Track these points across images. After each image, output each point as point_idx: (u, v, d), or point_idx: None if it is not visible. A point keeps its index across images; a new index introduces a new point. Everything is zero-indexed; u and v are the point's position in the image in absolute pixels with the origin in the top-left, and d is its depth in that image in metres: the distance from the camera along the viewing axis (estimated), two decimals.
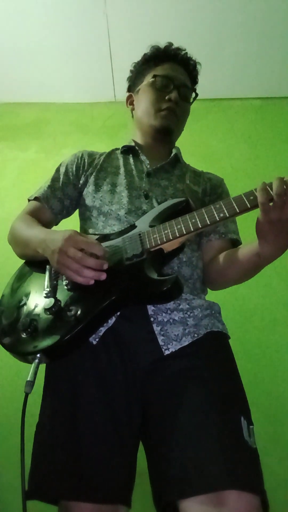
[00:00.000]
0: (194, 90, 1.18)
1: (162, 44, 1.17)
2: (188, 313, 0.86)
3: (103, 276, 0.78)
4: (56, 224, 1.11)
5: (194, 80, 1.20)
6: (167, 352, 0.81)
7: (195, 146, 2.27)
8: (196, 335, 0.83)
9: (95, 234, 0.97)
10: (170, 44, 1.17)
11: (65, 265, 0.79)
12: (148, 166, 1.08)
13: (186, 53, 1.17)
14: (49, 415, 0.81)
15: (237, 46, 2.11)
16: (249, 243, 0.91)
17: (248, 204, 0.79)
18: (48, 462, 0.75)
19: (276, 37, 2.06)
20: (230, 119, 2.34)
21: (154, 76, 1.11)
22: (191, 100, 1.17)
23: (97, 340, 0.83)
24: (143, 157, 1.10)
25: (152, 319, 0.83)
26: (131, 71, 1.23)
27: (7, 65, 2.26)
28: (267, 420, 1.61)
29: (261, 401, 1.64)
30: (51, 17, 2.01)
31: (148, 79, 1.13)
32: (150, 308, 0.84)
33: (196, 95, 1.17)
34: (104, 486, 0.72)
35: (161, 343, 0.81)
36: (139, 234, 0.86)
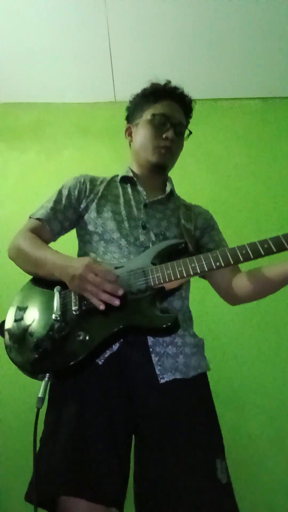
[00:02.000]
0: (187, 125, 1.27)
1: (161, 79, 1.26)
2: (180, 349, 0.98)
3: (117, 302, 0.88)
4: (54, 241, 1.18)
5: (188, 115, 1.29)
6: (162, 381, 0.92)
7: (195, 147, 2.27)
8: (186, 375, 0.96)
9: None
10: (168, 82, 1.25)
11: (85, 288, 0.89)
12: (145, 198, 1.17)
13: (183, 91, 1.25)
14: (55, 423, 0.89)
15: (237, 47, 2.11)
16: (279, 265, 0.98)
17: (241, 258, 0.90)
18: (52, 463, 0.82)
19: (277, 37, 2.05)
20: (230, 119, 2.34)
21: (153, 115, 1.18)
22: (186, 136, 1.26)
23: (102, 361, 0.92)
24: (140, 188, 1.19)
25: (151, 349, 0.95)
26: (130, 102, 1.31)
27: (8, 66, 2.26)
28: (268, 421, 1.61)
29: (261, 402, 1.65)
30: (51, 18, 2.01)
31: (147, 115, 1.20)
32: (150, 339, 0.95)
33: (190, 132, 1.26)
34: (102, 488, 0.80)
35: (158, 372, 0.93)
36: (143, 271, 0.96)
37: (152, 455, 0.88)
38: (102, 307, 0.88)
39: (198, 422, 0.93)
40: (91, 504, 0.78)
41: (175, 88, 1.24)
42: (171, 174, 2.14)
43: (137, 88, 2.37)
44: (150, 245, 1.06)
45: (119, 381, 0.92)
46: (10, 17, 2.01)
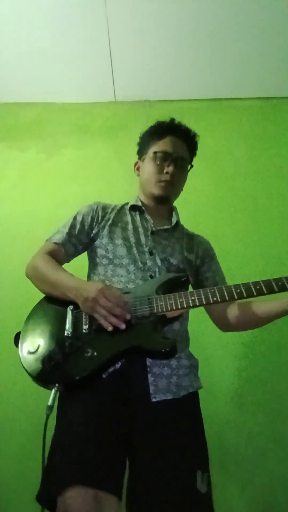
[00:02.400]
0: (193, 157, 1.39)
1: (165, 120, 1.38)
2: (175, 371, 1.09)
3: (123, 326, 0.99)
4: (67, 262, 1.27)
5: (192, 149, 1.39)
6: (154, 400, 1.03)
7: None
8: (177, 395, 1.06)
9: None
10: (172, 119, 1.38)
11: (96, 310, 1.00)
12: (152, 225, 1.28)
13: (186, 127, 1.37)
14: (65, 429, 0.99)
15: (237, 46, 2.11)
16: (272, 303, 1.09)
17: (235, 296, 1.01)
18: (63, 465, 0.91)
19: (277, 37, 2.05)
20: (230, 119, 2.34)
21: (155, 153, 1.30)
22: (188, 168, 1.37)
23: (105, 375, 1.02)
24: (148, 217, 1.31)
25: (148, 369, 1.05)
26: (139, 138, 1.43)
27: (8, 65, 2.26)
28: (268, 420, 1.61)
29: (261, 401, 1.65)
30: (51, 18, 2.01)
31: (151, 152, 1.32)
32: (148, 360, 1.06)
33: (192, 166, 1.38)
34: (103, 477, 0.89)
35: (151, 391, 1.03)
36: (149, 299, 1.07)
37: (140, 467, 0.98)
38: (110, 328, 0.99)
39: (183, 438, 1.02)
40: (97, 491, 0.86)
41: (179, 125, 1.36)
42: None
43: (137, 88, 2.39)
44: (156, 270, 1.17)
45: (119, 395, 1.02)
46: (10, 17, 2.01)
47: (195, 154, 1.40)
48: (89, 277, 1.26)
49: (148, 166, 1.32)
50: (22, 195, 2.20)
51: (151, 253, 1.20)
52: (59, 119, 2.44)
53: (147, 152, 1.35)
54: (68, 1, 1.95)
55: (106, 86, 2.37)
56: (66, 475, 0.88)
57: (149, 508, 0.93)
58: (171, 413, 1.03)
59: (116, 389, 1.02)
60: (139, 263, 1.17)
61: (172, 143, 1.31)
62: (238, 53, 2.14)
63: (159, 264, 1.18)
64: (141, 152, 1.40)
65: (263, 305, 1.11)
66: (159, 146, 1.31)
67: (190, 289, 1.27)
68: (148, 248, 1.21)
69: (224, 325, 1.23)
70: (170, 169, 1.28)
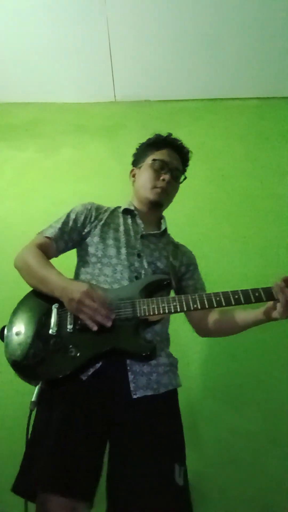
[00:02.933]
0: (184, 172, 1.47)
1: (164, 132, 1.47)
2: (154, 369, 1.12)
3: (109, 323, 1.03)
4: (56, 257, 1.29)
5: (185, 163, 1.48)
6: (134, 397, 1.05)
7: (194, 146, 2.26)
8: (157, 391, 1.09)
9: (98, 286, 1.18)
10: (170, 134, 1.46)
11: (81, 310, 1.03)
12: (143, 229, 1.33)
13: (181, 143, 1.46)
14: (43, 426, 1.01)
15: (236, 47, 2.11)
16: (251, 312, 1.14)
17: (214, 304, 1.07)
18: (39, 462, 0.94)
19: (275, 37, 2.06)
20: (228, 119, 2.35)
21: (154, 160, 1.38)
22: (181, 180, 1.45)
23: (86, 377, 1.04)
24: (139, 221, 1.36)
25: (128, 367, 1.08)
26: (136, 149, 1.51)
27: (6, 65, 2.26)
28: (267, 420, 1.61)
29: (259, 401, 1.64)
30: (51, 17, 2.01)
31: (149, 160, 1.40)
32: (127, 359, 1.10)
33: (185, 177, 1.45)
34: (78, 485, 0.93)
35: (132, 389, 1.06)
36: (132, 302, 1.10)
37: (121, 460, 1.01)
38: (95, 328, 1.02)
39: (163, 432, 1.05)
40: (67, 499, 0.90)
41: (175, 140, 1.45)
42: None
43: (137, 88, 2.39)
44: (143, 272, 1.21)
45: (99, 394, 1.04)
46: (9, 16, 2.01)
47: (186, 169, 1.49)
48: (76, 274, 1.28)
49: (146, 173, 1.39)
50: (20, 194, 2.20)
51: (139, 255, 1.24)
52: (58, 118, 2.44)
53: (144, 160, 1.42)
54: (68, 1, 1.95)
55: (106, 86, 2.37)
56: (42, 481, 0.92)
57: (128, 501, 0.95)
58: (151, 409, 1.06)
59: (97, 388, 1.04)
60: (127, 263, 1.21)
61: (169, 154, 1.40)
62: (237, 53, 2.14)
63: (146, 266, 1.23)
64: (137, 161, 1.47)
65: (240, 313, 1.17)
66: (157, 155, 1.39)
67: (172, 294, 1.32)
68: (136, 250, 1.26)
69: (203, 330, 1.30)
70: (166, 176, 1.35)
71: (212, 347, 1.72)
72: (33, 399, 0.95)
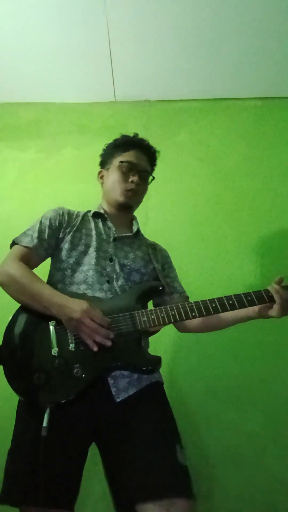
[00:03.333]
0: (152, 172, 1.47)
1: (131, 134, 1.48)
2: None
3: (109, 343, 1.02)
4: (36, 267, 1.26)
5: (153, 164, 1.49)
6: (117, 400, 1.06)
7: (194, 146, 2.27)
8: (139, 386, 1.10)
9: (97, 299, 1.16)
10: (136, 134, 1.47)
11: (81, 330, 1.03)
12: (115, 233, 1.33)
13: (148, 143, 1.46)
14: (20, 438, 1.03)
15: (236, 46, 2.11)
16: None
17: (211, 311, 1.10)
18: (16, 474, 0.97)
19: (276, 37, 2.06)
20: (229, 119, 2.34)
21: (121, 162, 1.37)
22: (149, 181, 1.46)
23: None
24: (110, 224, 1.35)
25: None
26: (103, 150, 1.51)
27: (7, 65, 2.26)
28: (267, 420, 1.61)
29: (261, 401, 1.64)
30: (51, 17, 2.01)
31: (117, 162, 1.39)
32: None
33: (153, 178, 1.46)
34: (56, 496, 0.95)
35: (113, 393, 1.07)
36: (130, 314, 1.10)
37: (120, 454, 1.01)
38: (95, 349, 1.02)
39: (155, 419, 1.07)
40: (50, 510, 0.93)
41: (142, 140, 1.45)
42: (173, 174, 2.15)
43: (137, 88, 2.39)
44: (114, 276, 1.21)
45: (82, 404, 1.03)
46: (10, 16, 2.01)
47: (154, 168, 1.49)
48: (49, 282, 1.25)
49: (114, 175, 1.38)
50: (21, 195, 2.20)
51: (111, 260, 1.24)
52: (59, 119, 2.44)
53: (112, 162, 1.42)
54: (68, 1, 1.95)
55: (106, 86, 2.37)
56: (23, 494, 0.93)
57: (136, 487, 0.96)
58: (137, 402, 1.08)
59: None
60: (98, 268, 1.20)
61: (137, 156, 1.40)
62: (238, 53, 2.14)
63: (118, 270, 1.22)
64: (105, 162, 1.47)
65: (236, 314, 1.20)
66: (124, 157, 1.38)
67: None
68: (109, 254, 1.25)
69: (183, 326, 1.31)
70: (135, 178, 1.35)
71: (214, 347, 1.73)
72: (44, 424, 0.92)
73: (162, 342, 1.68)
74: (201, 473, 1.50)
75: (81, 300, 1.08)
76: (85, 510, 1.48)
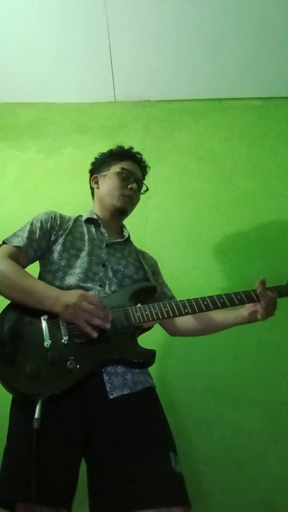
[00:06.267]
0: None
1: (125, 146, 1.53)
2: (128, 369, 1.11)
3: (108, 325, 1.03)
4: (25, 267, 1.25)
5: (144, 176, 1.54)
6: (111, 397, 1.05)
7: (195, 146, 2.27)
8: (134, 389, 1.09)
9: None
10: (131, 148, 1.52)
11: (79, 315, 1.02)
12: (107, 238, 1.34)
13: (142, 156, 1.52)
14: (16, 435, 1.01)
15: (237, 46, 2.11)
16: (231, 314, 1.22)
17: (203, 308, 1.13)
18: (12, 473, 0.95)
19: (277, 37, 2.06)
20: (230, 119, 2.34)
21: (122, 168, 1.42)
22: (142, 191, 1.51)
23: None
24: (103, 230, 1.37)
25: (103, 369, 1.08)
26: (96, 158, 1.55)
27: (7, 65, 2.26)
28: (267, 420, 1.61)
29: (261, 401, 1.64)
30: (51, 17, 2.01)
31: (115, 169, 1.43)
32: None
33: (147, 189, 1.52)
34: (53, 493, 0.92)
35: (108, 389, 1.06)
36: (124, 310, 1.12)
37: (112, 459, 0.99)
38: (95, 334, 1.01)
39: (148, 425, 1.05)
40: (43, 508, 0.89)
41: (138, 153, 1.52)
42: (173, 174, 2.16)
43: (137, 88, 2.39)
44: (107, 281, 1.21)
45: (73, 398, 1.01)
46: (10, 16, 2.01)
47: (144, 179, 1.54)
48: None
49: (112, 181, 1.42)
50: (22, 194, 2.20)
51: (104, 265, 1.25)
52: (59, 119, 2.44)
53: (109, 169, 1.45)
54: (68, 1, 1.95)
55: (106, 86, 2.37)
56: (19, 491, 0.91)
57: (134, 496, 0.93)
58: (131, 405, 1.06)
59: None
60: (91, 273, 1.21)
61: (133, 166, 1.46)
62: (238, 53, 2.14)
63: (110, 275, 1.23)
64: (101, 168, 1.50)
65: (217, 314, 1.24)
66: (123, 165, 1.43)
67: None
68: (101, 260, 1.26)
69: (175, 330, 1.34)
70: (134, 185, 1.40)
71: (213, 347, 1.73)
72: (36, 416, 0.90)
73: (162, 342, 1.68)
74: (201, 473, 1.50)
75: (76, 289, 1.10)
76: (85, 510, 1.48)
